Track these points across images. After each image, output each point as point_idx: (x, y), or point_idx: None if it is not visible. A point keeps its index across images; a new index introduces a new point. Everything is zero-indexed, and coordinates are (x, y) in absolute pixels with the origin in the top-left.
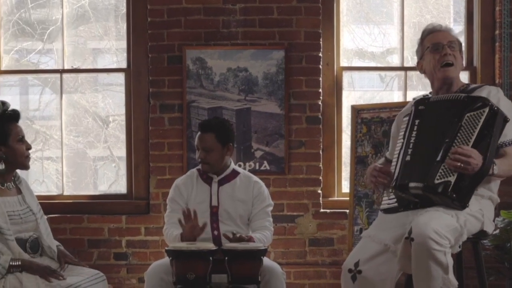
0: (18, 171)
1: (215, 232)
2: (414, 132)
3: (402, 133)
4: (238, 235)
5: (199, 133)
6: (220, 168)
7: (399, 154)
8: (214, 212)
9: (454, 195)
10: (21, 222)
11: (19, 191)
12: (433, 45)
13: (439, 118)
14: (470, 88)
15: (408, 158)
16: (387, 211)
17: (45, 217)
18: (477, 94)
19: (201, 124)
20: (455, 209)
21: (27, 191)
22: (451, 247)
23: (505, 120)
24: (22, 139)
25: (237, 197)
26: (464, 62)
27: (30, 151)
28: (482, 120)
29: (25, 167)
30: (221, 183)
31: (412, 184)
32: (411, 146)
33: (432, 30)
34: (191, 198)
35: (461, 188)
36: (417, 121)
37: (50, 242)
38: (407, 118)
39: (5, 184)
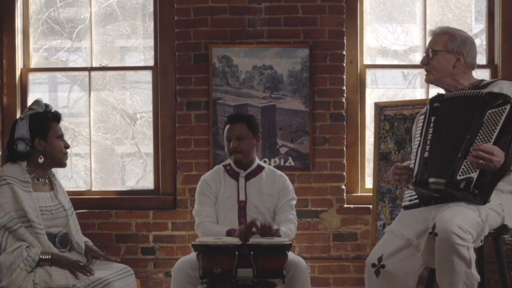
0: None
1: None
2: (431, 129)
3: (419, 131)
4: (267, 224)
5: (228, 125)
6: (251, 159)
7: (417, 151)
8: (242, 207)
9: (476, 191)
10: (52, 217)
11: (52, 188)
12: (425, 53)
13: (457, 115)
14: (483, 84)
15: (426, 154)
16: (408, 207)
17: (75, 214)
18: (490, 89)
19: (231, 116)
20: (477, 204)
21: (60, 188)
22: (474, 241)
23: None
24: (61, 137)
25: (264, 191)
26: (485, 60)
27: (68, 150)
28: (503, 117)
29: (62, 164)
30: (248, 177)
31: (431, 180)
32: (428, 143)
33: (429, 35)
34: (219, 193)
35: (482, 184)
36: (433, 118)
37: (79, 238)
38: (422, 116)
39: (40, 180)
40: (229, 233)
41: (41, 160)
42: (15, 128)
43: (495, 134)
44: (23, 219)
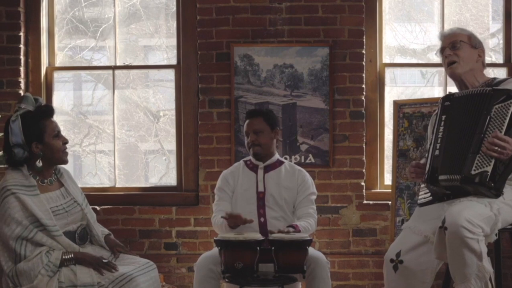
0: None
1: (262, 219)
2: (442, 128)
3: (431, 129)
4: (286, 230)
5: (247, 120)
6: (270, 152)
7: (429, 149)
8: (260, 198)
9: (492, 184)
10: (67, 215)
11: (60, 184)
12: (440, 51)
13: (466, 112)
14: (495, 82)
15: (436, 152)
16: (423, 204)
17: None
18: (503, 86)
19: (249, 111)
20: (489, 197)
21: (70, 181)
22: (486, 236)
23: None
24: (58, 134)
25: (282, 184)
26: (502, 59)
27: (71, 146)
28: (510, 110)
29: (63, 162)
30: (266, 170)
31: (442, 177)
32: (439, 141)
33: (439, 36)
34: (237, 186)
35: (496, 176)
36: (443, 117)
37: (97, 230)
38: (436, 115)
39: (46, 181)
40: (224, 218)
41: (39, 164)
42: (8, 130)
43: (504, 127)
44: (37, 223)
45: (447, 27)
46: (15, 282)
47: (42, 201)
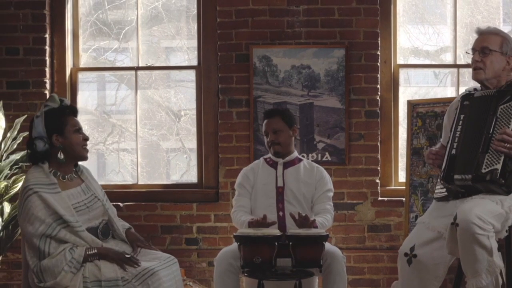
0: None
1: (280, 213)
2: (459, 127)
3: (449, 127)
4: (304, 214)
5: (265, 120)
6: (289, 150)
7: (446, 147)
8: (279, 192)
9: (503, 181)
10: (88, 210)
11: (81, 181)
12: (472, 49)
13: (479, 113)
14: None
15: (453, 151)
16: (440, 199)
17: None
18: None
19: (266, 111)
20: (501, 194)
21: (90, 178)
22: (497, 232)
23: None
24: (79, 130)
25: (301, 179)
26: None
27: (94, 145)
28: None
29: (83, 157)
30: (286, 166)
31: (457, 176)
32: (456, 140)
33: (476, 32)
34: (257, 181)
35: (506, 173)
36: (462, 116)
37: (118, 224)
38: (455, 110)
39: (66, 177)
40: (250, 223)
41: (61, 156)
42: (32, 126)
43: (511, 125)
44: (60, 221)
45: (460, 29)
46: (39, 277)
47: (64, 198)
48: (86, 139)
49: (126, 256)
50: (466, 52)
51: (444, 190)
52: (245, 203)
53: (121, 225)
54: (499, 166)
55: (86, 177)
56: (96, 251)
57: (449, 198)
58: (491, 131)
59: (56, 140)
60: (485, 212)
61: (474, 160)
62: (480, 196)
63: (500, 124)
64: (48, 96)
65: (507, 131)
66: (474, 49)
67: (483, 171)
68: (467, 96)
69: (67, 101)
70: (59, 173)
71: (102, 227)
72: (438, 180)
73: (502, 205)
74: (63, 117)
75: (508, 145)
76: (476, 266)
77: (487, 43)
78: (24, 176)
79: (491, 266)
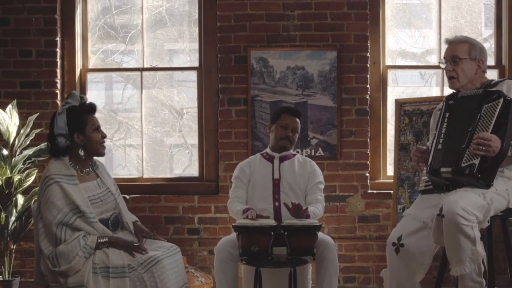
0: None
1: (276, 204)
2: (445, 124)
3: (435, 125)
4: (297, 203)
5: (291, 117)
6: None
7: (432, 143)
8: (276, 184)
9: (479, 175)
10: (102, 204)
11: (96, 175)
12: (444, 59)
13: (464, 111)
14: (493, 83)
15: (439, 146)
16: (424, 192)
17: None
18: (499, 87)
19: (293, 109)
20: (481, 188)
21: (104, 173)
22: (480, 222)
23: None
24: (98, 128)
25: (296, 172)
26: (493, 61)
27: (105, 139)
28: (498, 109)
29: (100, 154)
30: (281, 160)
31: (443, 169)
32: (442, 136)
33: (445, 43)
34: (254, 174)
35: (484, 169)
36: (447, 114)
37: (127, 217)
38: (439, 112)
39: (84, 171)
40: (244, 211)
41: (81, 153)
42: (54, 122)
43: (491, 125)
44: (76, 210)
45: (444, 32)
46: (54, 263)
47: (81, 190)
48: (104, 136)
49: (135, 244)
50: (439, 62)
51: (429, 183)
52: (241, 194)
53: (130, 218)
54: (477, 162)
55: (101, 172)
56: (107, 239)
57: (433, 191)
58: (474, 128)
59: (77, 138)
60: (469, 204)
61: (457, 154)
62: (464, 189)
63: (483, 122)
64: (59, 95)
65: (483, 135)
66: (445, 59)
67: (463, 165)
68: (452, 96)
69: (86, 98)
70: (77, 167)
71: (112, 219)
72: (423, 174)
73: (484, 197)
74: (84, 116)
75: (484, 148)
76: (461, 254)
77: (456, 52)
78: (36, 170)
79: (474, 255)
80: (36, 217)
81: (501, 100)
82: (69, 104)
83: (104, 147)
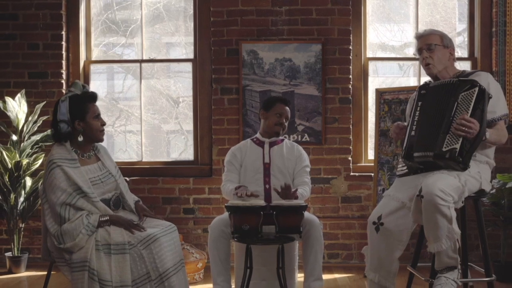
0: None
1: (267, 186)
2: (418, 112)
3: (409, 112)
4: (287, 184)
5: (283, 105)
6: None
7: (406, 129)
8: (266, 168)
9: (460, 159)
10: (103, 185)
11: (97, 159)
12: (418, 51)
13: (438, 99)
14: (465, 74)
15: (412, 133)
16: (401, 175)
17: (123, 177)
18: (472, 77)
19: (284, 99)
20: (458, 170)
21: (106, 156)
22: (455, 202)
23: (489, 97)
24: (98, 116)
25: (284, 156)
26: (466, 54)
27: (105, 127)
28: (474, 97)
29: (99, 139)
30: (271, 145)
31: (416, 154)
32: (415, 124)
33: (416, 37)
34: (245, 159)
35: (464, 152)
36: (420, 103)
37: (129, 198)
38: (413, 101)
39: (85, 155)
40: (236, 188)
41: (80, 139)
42: (57, 109)
43: (470, 110)
44: (78, 191)
45: (421, 27)
46: (59, 240)
47: (82, 172)
48: (103, 124)
49: (134, 222)
50: (414, 55)
51: (405, 168)
52: (233, 178)
53: (132, 198)
54: (457, 146)
55: (102, 156)
56: (108, 218)
57: (409, 174)
58: (452, 115)
59: (78, 125)
60: (446, 185)
61: (436, 139)
62: (440, 171)
63: (460, 109)
64: (64, 85)
65: (465, 117)
66: (420, 49)
67: (444, 149)
68: (424, 86)
69: (88, 87)
70: (79, 151)
71: (114, 199)
72: (400, 159)
73: (459, 179)
74: (85, 104)
75: (465, 129)
76: (438, 232)
77: (430, 41)
78: (43, 155)
79: (451, 233)
80: (43, 198)
81: (477, 89)
82: (72, 93)
83: (103, 134)
